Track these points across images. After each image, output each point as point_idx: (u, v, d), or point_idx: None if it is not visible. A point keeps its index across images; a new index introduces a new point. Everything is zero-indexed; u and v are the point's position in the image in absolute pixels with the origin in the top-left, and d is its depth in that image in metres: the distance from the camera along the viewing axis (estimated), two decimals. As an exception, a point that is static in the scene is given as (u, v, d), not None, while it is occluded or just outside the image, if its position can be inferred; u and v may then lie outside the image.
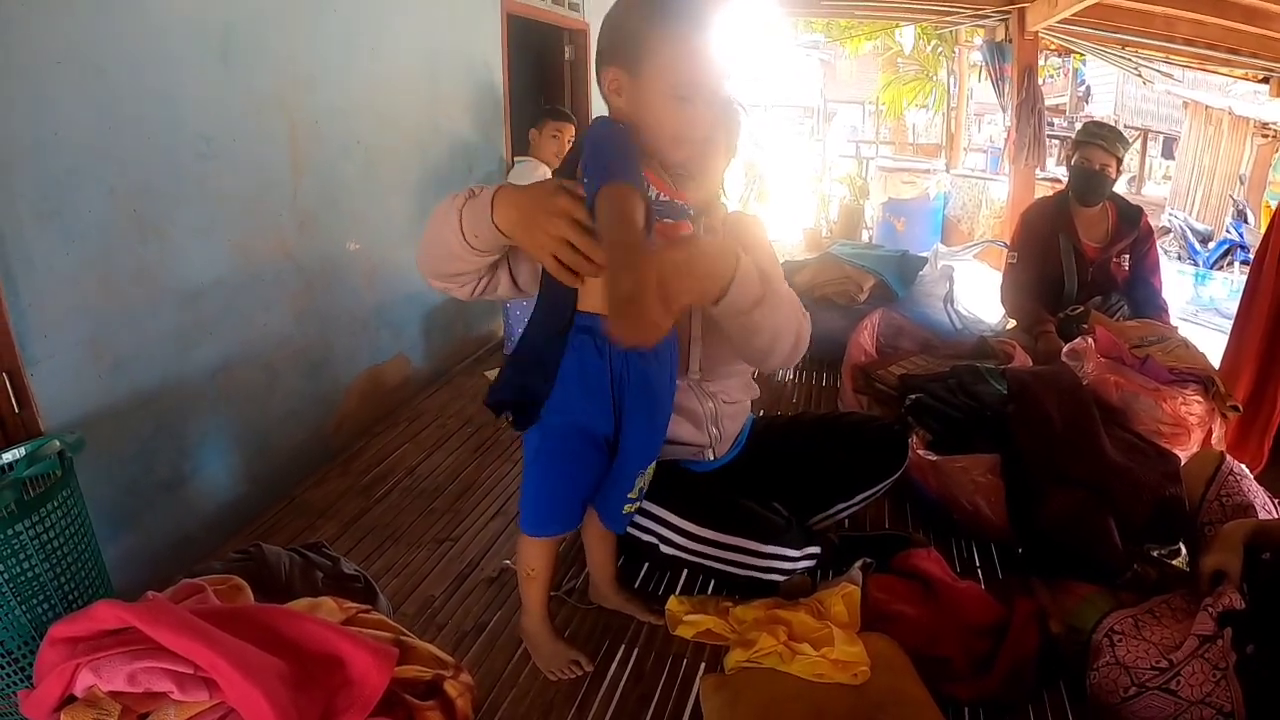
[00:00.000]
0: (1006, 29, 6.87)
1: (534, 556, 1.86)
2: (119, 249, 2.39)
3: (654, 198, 1.56)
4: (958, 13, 6.99)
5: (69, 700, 1.38)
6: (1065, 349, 3.23)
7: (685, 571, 2.24)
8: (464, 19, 4.27)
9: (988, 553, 2.45)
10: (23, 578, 1.70)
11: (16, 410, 2.09)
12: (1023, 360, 3.23)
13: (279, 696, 1.37)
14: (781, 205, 12.58)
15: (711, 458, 2.22)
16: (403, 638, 1.67)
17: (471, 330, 4.64)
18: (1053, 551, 2.26)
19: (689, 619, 2.02)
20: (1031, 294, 3.84)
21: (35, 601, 1.72)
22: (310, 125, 3.14)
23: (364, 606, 1.77)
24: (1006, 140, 7.36)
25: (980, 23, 7.17)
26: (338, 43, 3.27)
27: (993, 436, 2.58)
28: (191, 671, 1.37)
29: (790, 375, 4.07)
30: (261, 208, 2.95)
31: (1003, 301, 4.06)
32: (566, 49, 5.75)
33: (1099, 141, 3.69)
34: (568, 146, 4.23)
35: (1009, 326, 4.18)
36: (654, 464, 1.87)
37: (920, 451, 2.59)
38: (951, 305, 4.15)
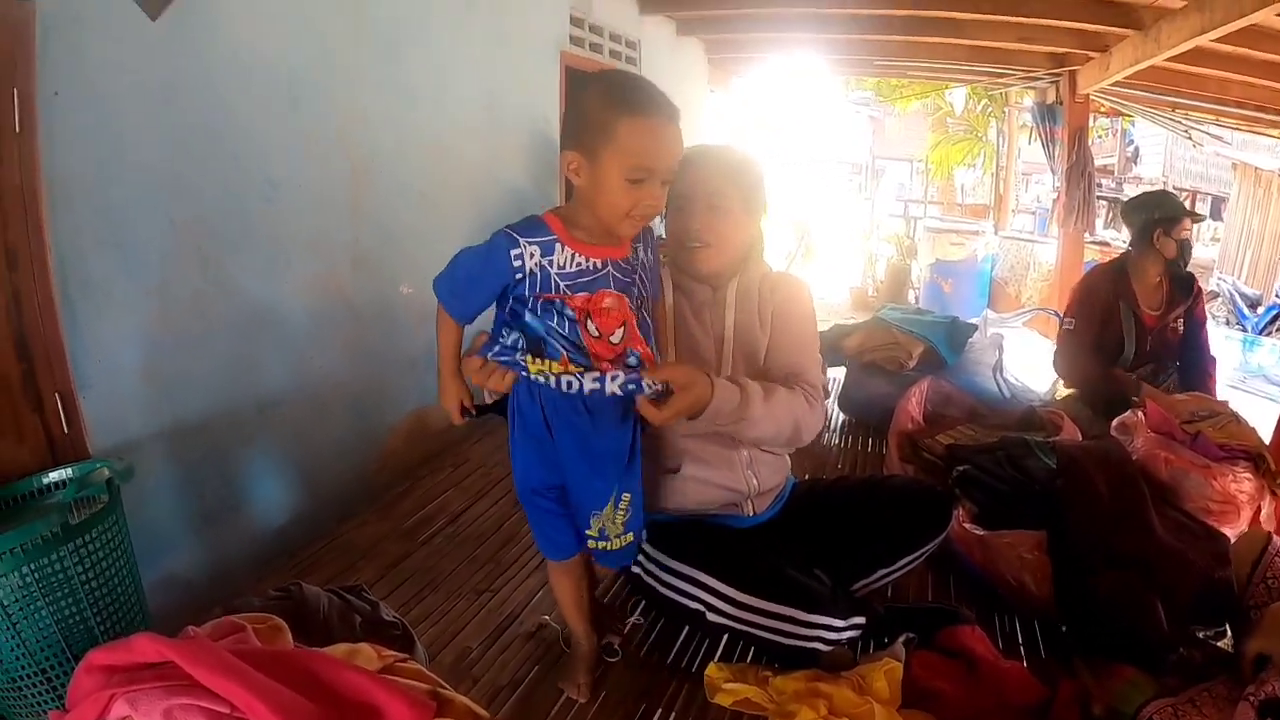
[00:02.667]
0: (1057, 91, 6.75)
1: (551, 577, 2.01)
2: (177, 280, 2.40)
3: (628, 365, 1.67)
4: (1009, 74, 6.91)
5: (102, 727, 1.33)
6: (1115, 422, 3.14)
7: (725, 637, 2.15)
8: (524, 71, 4.30)
9: (1031, 629, 2.33)
10: (63, 600, 1.69)
11: (66, 431, 2.08)
12: (1071, 432, 3.13)
13: (315, 743, 1.31)
14: (828, 263, 12.55)
15: (751, 512, 2.15)
16: (440, 690, 1.60)
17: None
18: (1097, 631, 2.17)
19: (728, 687, 1.94)
20: (1093, 357, 3.74)
21: (73, 623, 1.71)
22: (370, 169, 3.15)
23: (402, 655, 1.70)
24: (1055, 202, 7.24)
25: (1031, 84, 7.10)
26: (400, 89, 3.29)
27: (1040, 512, 2.48)
28: (228, 712, 1.31)
29: (835, 440, 3.97)
30: (320, 247, 2.95)
31: (1058, 368, 3.94)
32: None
33: (1187, 214, 3.71)
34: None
35: (1058, 396, 4.07)
36: (614, 506, 1.82)
37: (966, 525, 2.50)
38: (1000, 374, 4.04)
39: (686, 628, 2.21)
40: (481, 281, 1.65)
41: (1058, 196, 7.10)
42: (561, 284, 1.62)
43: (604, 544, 1.83)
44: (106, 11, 2.11)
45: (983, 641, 2.04)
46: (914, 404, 3.47)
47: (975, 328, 4.23)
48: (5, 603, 1.62)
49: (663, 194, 1.63)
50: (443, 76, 3.57)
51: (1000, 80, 7.33)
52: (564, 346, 1.63)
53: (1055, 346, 4.01)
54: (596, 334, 1.65)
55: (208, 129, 2.43)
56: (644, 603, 2.25)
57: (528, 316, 1.63)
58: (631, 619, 2.26)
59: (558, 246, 1.62)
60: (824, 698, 1.82)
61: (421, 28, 3.37)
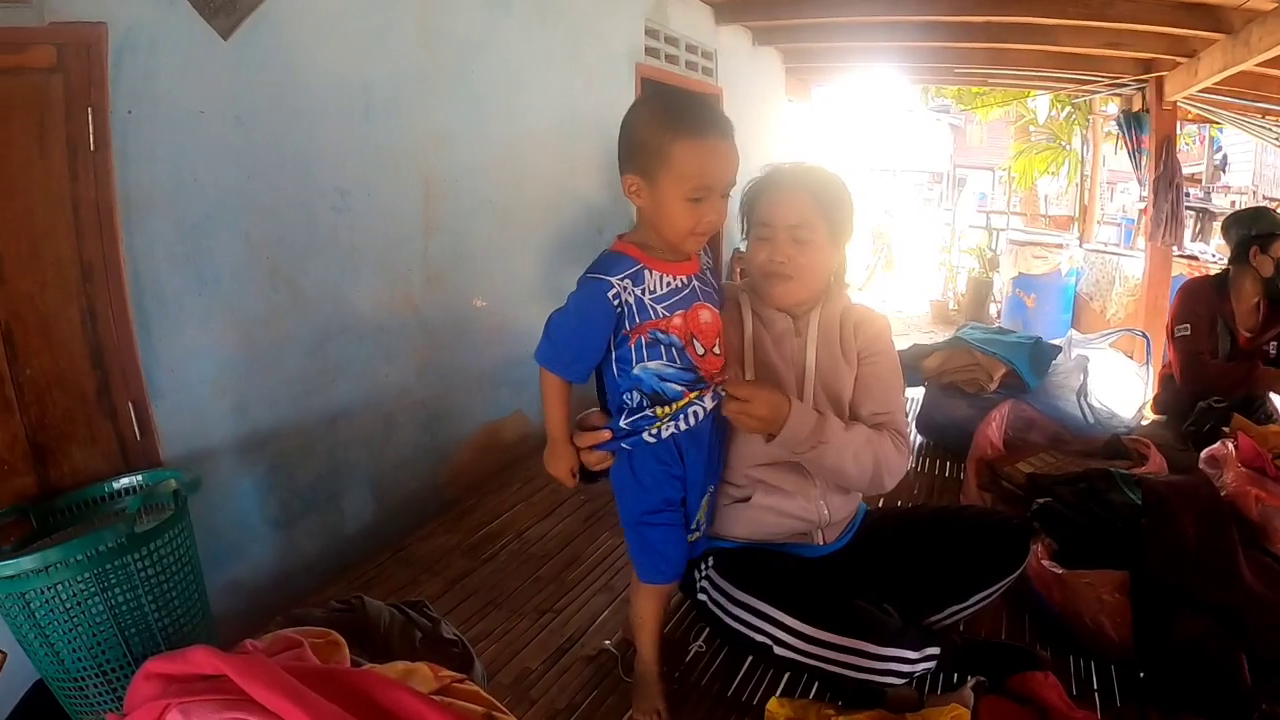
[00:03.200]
0: (1143, 98, 6.44)
1: (643, 600, 1.94)
2: (250, 294, 2.42)
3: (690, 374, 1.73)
4: (1094, 81, 6.65)
5: (156, 736, 1.34)
6: (1204, 454, 2.97)
7: (788, 674, 2.07)
8: (599, 83, 4.27)
9: (1108, 674, 2.19)
10: (126, 605, 1.71)
11: (139, 438, 2.13)
12: (1158, 462, 2.98)
13: (366, 765, 1.29)
14: (908, 275, 12.30)
15: (821, 541, 2.06)
16: (495, 713, 1.57)
17: (591, 392, 4.56)
18: (1176, 681, 2.02)
19: None
20: (1214, 356, 3.58)
21: (136, 627, 1.73)
22: (443, 183, 3.15)
23: (459, 675, 1.68)
24: (1142, 214, 6.93)
25: (1116, 91, 6.82)
26: (473, 103, 3.29)
27: (1122, 550, 2.34)
28: (280, 729, 1.30)
29: (911, 463, 3.82)
30: (392, 262, 2.96)
31: (1183, 376, 3.74)
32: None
33: None
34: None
35: (1144, 424, 3.88)
36: (710, 497, 1.93)
37: (1045, 562, 2.36)
38: (1085, 398, 3.86)
39: (750, 658, 2.13)
40: (589, 334, 1.67)
41: (1144, 208, 6.80)
42: (658, 307, 1.67)
43: (697, 534, 1.91)
44: (179, 32, 2.14)
45: (1056, 690, 1.90)
46: (994, 428, 3.34)
47: (1059, 349, 4.05)
48: (71, 605, 1.65)
49: (724, 206, 1.66)
50: (516, 91, 3.56)
51: (1085, 87, 7.07)
52: (681, 382, 1.71)
53: (1172, 359, 3.83)
54: (703, 351, 1.72)
55: (279, 144, 2.45)
56: (707, 630, 2.18)
57: (636, 370, 1.68)
58: (694, 646, 2.19)
59: (646, 273, 1.66)
60: (888, 739, 1.73)
61: (493, 42, 3.37)
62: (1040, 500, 2.65)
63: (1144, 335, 4.58)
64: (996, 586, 2.07)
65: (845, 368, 1.96)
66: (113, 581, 1.68)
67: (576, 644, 2.26)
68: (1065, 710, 1.86)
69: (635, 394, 1.71)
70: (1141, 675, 2.14)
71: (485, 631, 2.30)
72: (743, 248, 2.01)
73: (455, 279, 3.30)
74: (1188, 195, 7.82)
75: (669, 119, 1.59)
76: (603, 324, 1.65)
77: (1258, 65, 4.55)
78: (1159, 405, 3.96)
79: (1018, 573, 2.10)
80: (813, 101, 8.39)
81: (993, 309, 9.41)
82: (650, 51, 4.70)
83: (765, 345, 1.95)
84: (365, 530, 2.88)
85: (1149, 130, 6.46)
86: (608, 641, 2.22)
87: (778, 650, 1.88)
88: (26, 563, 1.58)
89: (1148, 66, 6.01)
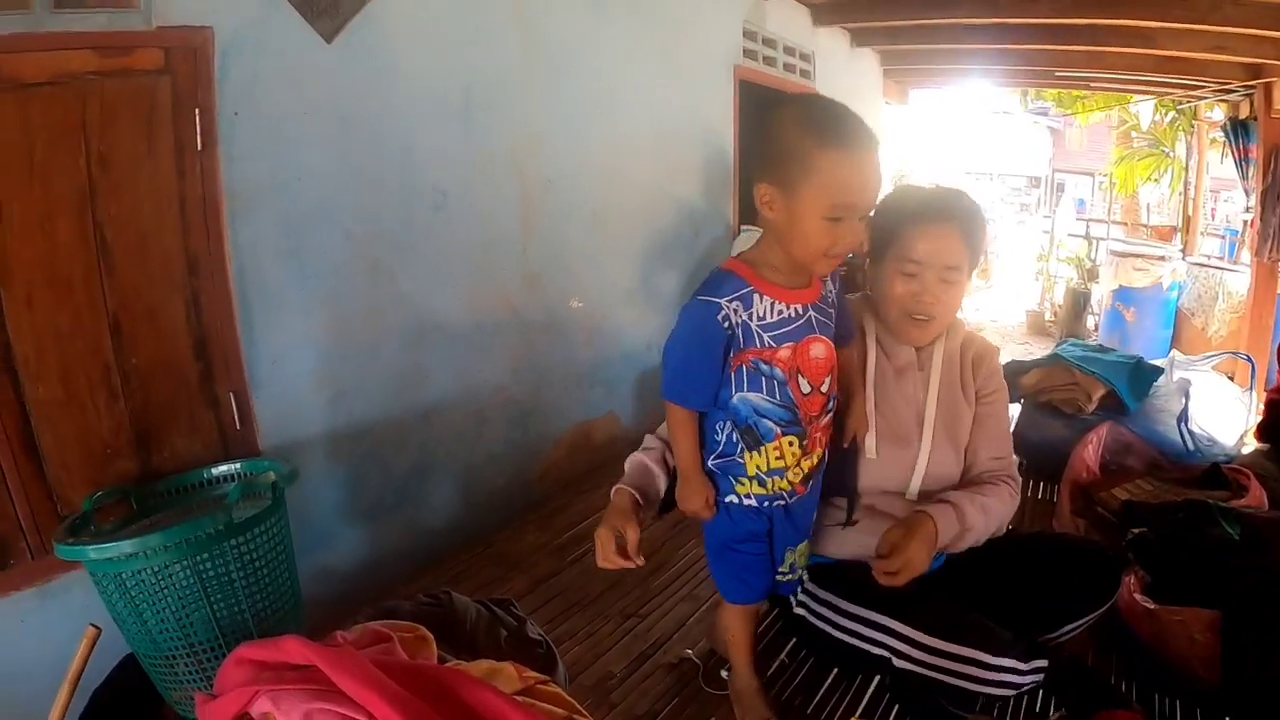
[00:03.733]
0: (1251, 105, 6.06)
1: (729, 619, 1.88)
2: (350, 289, 2.45)
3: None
4: (1200, 86, 6.30)
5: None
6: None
7: (872, 689, 2.00)
8: (697, 86, 4.22)
9: (1192, 716, 2.04)
10: (220, 589, 1.74)
11: (238, 427, 2.18)
12: (1258, 494, 2.78)
13: (449, 764, 1.29)
14: (1004, 284, 11.90)
15: None
16: (576, 717, 1.55)
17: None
18: None
19: None
20: None
21: (228, 613, 1.76)
22: (541, 185, 3.15)
23: (542, 677, 1.66)
24: (1248, 227, 6.53)
25: (1223, 98, 6.45)
26: (571, 106, 3.27)
27: (1217, 587, 2.18)
28: (365, 721, 1.32)
29: None
30: (490, 261, 2.97)
31: None
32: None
33: None
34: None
35: (1245, 452, 3.64)
36: (808, 543, 1.84)
37: (1137, 595, 2.22)
38: (1185, 423, 3.64)
39: (834, 672, 2.06)
40: (703, 358, 1.54)
41: (1250, 220, 6.40)
42: (766, 336, 1.53)
43: (790, 576, 1.81)
44: (283, 35, 2.18)
45: None
46: (1090, 452, 3.17)
47: (1161, 371, 3.84)
48: (166, 587, 1.68)
49: (862, 229, 1.49)
50: (613, 94, 3.54)
51: (1190, 93, 6.72)
52: (776, 419, 1.57)
53: None
54: (808, 389, 1.58)
55: (380, 144, 2.48)
56: (794, 643, 2.11)
57: (734, 399, 1.56)
58: (779, 659, 2.12)
59: (755, 297, 1.52)
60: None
61: (590, 46, 3.36)
62: (1135, 530, 2.51)
63: (1248, 359, 4.36)
64: (1086, 618, 1.95)
65: (965, 408, 1.88)
66: (208, 567, 1.70)
67: (659, 650, 2.21)
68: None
69: (728, 425, 1.60)
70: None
71: (569, 632, 2.27)
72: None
73: (552, 279, 3.30)
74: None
75: (816, 125, 1.42)
76: (716, 346, 1.53)
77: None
78: (1263, 432, 3.71)
79: (1108, 605, 1.97)
80: (910, 105, 8.19)
81: (1090, 322, 9.01)
82: (748, 54, 4.62)
83: (887, 379, 1.86)
84: (454, 524, 2.89)
85: (1256, 139, 6.06)
86: (690, 651, 2.17)
87: (898, 663, 1.80)
88: (126, 546, 1.61)
89: (1256, 72, 5.67)
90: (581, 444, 3.57)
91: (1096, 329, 8.73)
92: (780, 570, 1.78)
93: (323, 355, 2.38)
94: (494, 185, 2.94)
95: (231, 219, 2.11)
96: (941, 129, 12.69)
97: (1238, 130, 6.36)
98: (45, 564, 1.84)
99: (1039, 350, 4.24)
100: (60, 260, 1.82)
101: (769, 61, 4.85)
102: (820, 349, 1.58)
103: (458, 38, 2.71)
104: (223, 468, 2.03)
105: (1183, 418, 3.60)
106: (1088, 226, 11.86)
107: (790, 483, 1.63)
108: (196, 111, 2.01)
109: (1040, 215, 15.72)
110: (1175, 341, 7.83)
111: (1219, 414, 3.86)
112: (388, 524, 2.67)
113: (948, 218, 1.76)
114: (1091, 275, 9.34)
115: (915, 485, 1.88)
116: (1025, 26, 5.21)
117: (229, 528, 1.73)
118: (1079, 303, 9.16)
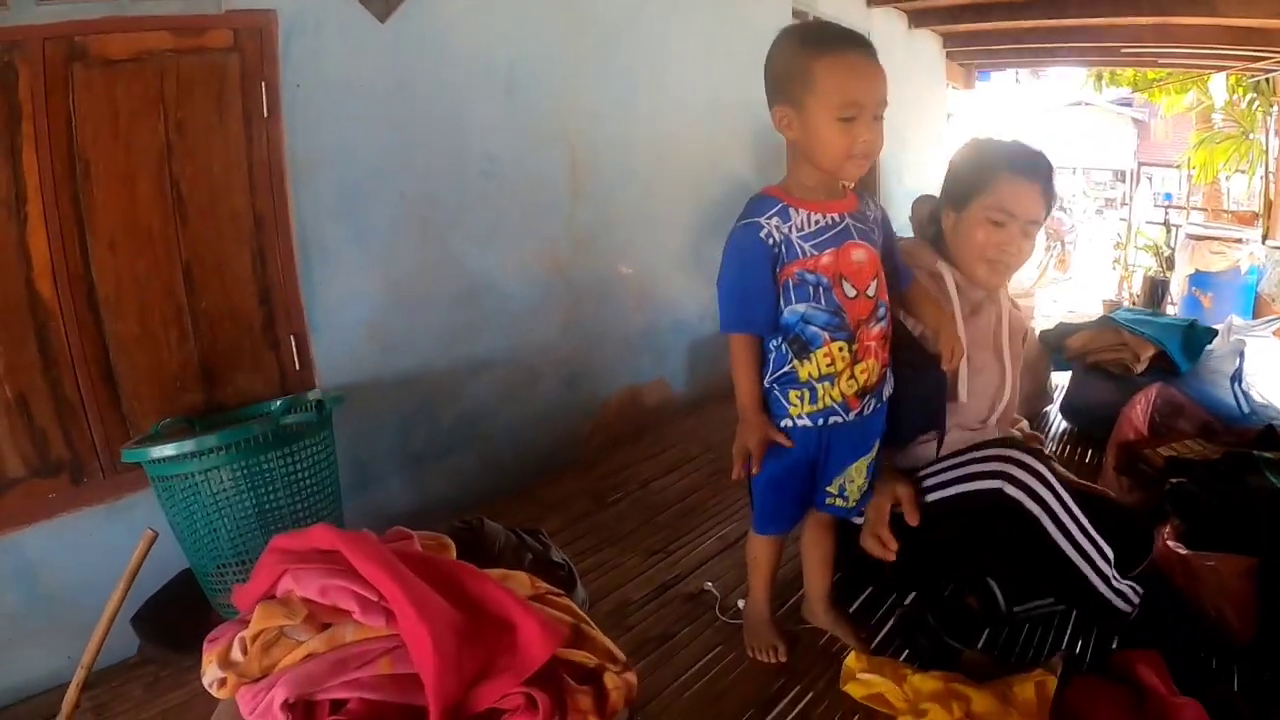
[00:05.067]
0: None
1: (757, 548, 1.91)
2: (403, 248, 2.60)
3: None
4: (1268, 57, 6.06)
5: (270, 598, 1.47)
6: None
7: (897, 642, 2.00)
8: (746, 66, 4.21)
9: (1226, 668, 1.93)
10: (267, 499, 1.89)
11: (297, 368, 2.35)
12: None
13: (445, 642, 1.36)
14: (1082, 274, 11.58)
15: None
16: (583, 625, 1.61)
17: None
18: None
19: (863, 677, 1.77)
20: None
21: (275, 521, 1.90)
22: (590, 154, 3.25)
23: (556, 590, 1.70)
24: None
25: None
26: (619, 80, 3.37)
27: (1255, 535, 2.09)
28: (375, 599, 1.39)
29: (1052, 448, 3.48)
30: (538, 225, 3.08)
31: None
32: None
33: None
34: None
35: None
36: (860, 470, 1.78)
37: (1170, 543, 2.12)
38: (1239, 384, 3.49)
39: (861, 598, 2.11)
40: (754, 277, 1.58)
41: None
42: (806, 246, 1.57)
43: (841, 501, 1.81)
44: (341, 16, 2.35)
45: (1161, 672, 1.72)
46: (1139, 412, 3.03)
47: (1215, 332, 3.68)
48: (219, 494, 1.83)
49: (879, 128, 1.54)
50: (661, 72, 3.60)
51: (1258, 64, 6.43)
52: (821, 325, 1.59)
53: None
54: (854, 293, 1.60)
55: (431, 114, 2.62)
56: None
57: (785, 313, 1.59)
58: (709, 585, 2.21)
59: (791, 211, 1.58)
60: (961, 700, 1.64)
61: (637, 25, 3.44)
62: (1174, 480, 2.45)
63: (1318, 325, 4.11)
64: None
65: (1017, 343, 2.00)
66: (258, 478, 1.85)
67: (681, 581, 2.27)
68: (1166, 695, 1.68)
69: (779, 341, 1.62)
70: (1264, 675, 1.89)
71: (596, 565, 2.35)
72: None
73: (601, 245, 3.39)
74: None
75: (807, 40, 1.54)
76: (764, 263, 1.57)
77: None
78: None
79: (1135, 572, 1.93)
80: (976, 90, 8.04)
81: (1169, 310, 8.70)
82: (800, 35, 4.63)
83: (964, 317, 1.92)
84: (501, 472, 2.98)
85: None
86: (709, 583, 2.22)
87: (1049, 527, 1.77)
88: (187, 445, 1.77)
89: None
90: (631, 407, 3.64)
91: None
92: (828, 490, 1.79)
93: (376, 308, 2.53)
94: (541, 154, 3.05)
95: (294, 181, 2.28)
96: (1017, 121, 12.37)
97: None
98: (114, 483, 2.02)
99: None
100: (140, 213, 2.01)
101: (822, 43, 4.84)
102: (861, 254, 1.61)
103: (504, 16, 2.82)
104: (280, 402, 2.15)
105: (1236, 377, 3.43)
106: (1166, 213, 11.41)
107: (843, 394, 1.64)
108: (263, 84, 2.18)
109: (1120, 205, 15.21)
110: (1253, 323, 7.53)
111: (1276, 375, 3.71)
112: (436, 469, 2.79)
113: (1036, 174, 1.84)
114: (1169, 263, 9.01)
115: (997, 413, 1.98)
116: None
117: (277, 435, 1.88)
118: (1157, 291, 8.84)
